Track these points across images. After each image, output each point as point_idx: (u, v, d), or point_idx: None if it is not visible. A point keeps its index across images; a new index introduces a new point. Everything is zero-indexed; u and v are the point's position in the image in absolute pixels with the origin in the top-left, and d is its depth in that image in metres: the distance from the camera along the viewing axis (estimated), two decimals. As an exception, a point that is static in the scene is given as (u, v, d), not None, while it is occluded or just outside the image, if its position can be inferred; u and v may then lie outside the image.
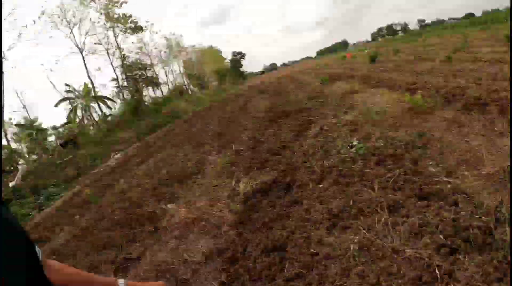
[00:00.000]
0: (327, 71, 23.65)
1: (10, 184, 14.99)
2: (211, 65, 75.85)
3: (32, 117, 32.70)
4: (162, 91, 47.95)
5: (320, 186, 3.71)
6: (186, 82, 63.52)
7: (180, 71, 60.67)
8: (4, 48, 24.94)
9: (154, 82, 36.71)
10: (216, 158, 6.68)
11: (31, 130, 26.50)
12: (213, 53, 79.09)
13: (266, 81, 34.81)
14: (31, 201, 12.00)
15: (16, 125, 28.51)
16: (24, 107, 30.16)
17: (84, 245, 5.13)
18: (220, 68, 79.84)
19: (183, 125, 19.10)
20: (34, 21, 30.42)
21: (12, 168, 22.05)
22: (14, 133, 28.25)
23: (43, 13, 31.17)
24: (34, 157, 25.24)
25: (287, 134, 6.58)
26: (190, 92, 60.48)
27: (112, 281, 1.19)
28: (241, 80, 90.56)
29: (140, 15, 53.12)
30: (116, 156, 17.31)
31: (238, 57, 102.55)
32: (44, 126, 33.77)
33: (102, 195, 8.57)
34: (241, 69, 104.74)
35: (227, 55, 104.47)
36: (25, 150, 27.83)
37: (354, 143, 4.61)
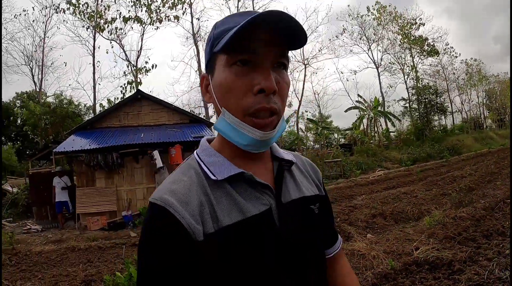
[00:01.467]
0: None
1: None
2: (516, 101, 65.41)
3: (325, 115, 37.81)
4: (453, 119, 45.68)
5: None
6: (484, 115, 57.50)
7: (478, 101, 55.24)
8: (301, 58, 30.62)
9: (443, 110, 35.45)
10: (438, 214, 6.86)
11: (318, 126, 30.71)
12: None
13: None
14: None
15: (307, 118, 33.80)
16: (318, 106, 35.14)
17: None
18: None
19: (453, 164, 18.39)
20: (337, 36, 34.98)
21: (296, 149, 26.67)
22: (307, 126, 33.71)
23: (344, 31, 35.54)
24: (317, 146, 29.54)
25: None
26: (485, 126, 54.78)
27: None
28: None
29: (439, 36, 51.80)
30: (378, 173, 18.50)
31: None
32: (333, 125, 38.46)
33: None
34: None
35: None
36: (311, 138, 32.79)
37: None
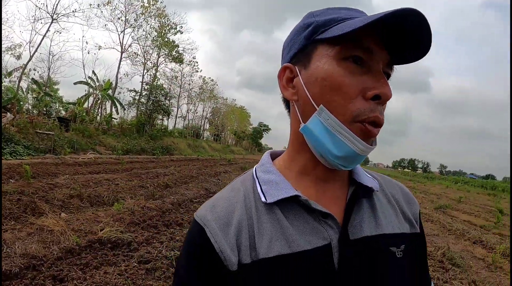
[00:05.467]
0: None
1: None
2: (234, 124, 78.32)
3: (53, 80, 34.12)
4: (175, 123, 49.78)
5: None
6: (204, 127, 65.15)
7: (203, 114, 62.59)
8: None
9: (168, 112, 38.11)
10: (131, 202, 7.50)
11: (41, 90, 27.47)
12: (241, 114, 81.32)
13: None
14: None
15: (32, 78, 28.78)
16: (49, 69, 30.49)
17: None
18: (240, 130, 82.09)
19: (161, 162, 19.84)
20: (98, 5, 31.69)
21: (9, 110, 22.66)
22: (30, 86, 28.98)
23: (109, 3, 32.60)
24: (35, 112, 26.17)
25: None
26: (203, 137, 62.15)
27: None
28: (254, 152, 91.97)
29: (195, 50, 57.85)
30: (89, 155, 18.23)
31: (262, 128, 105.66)
32: (59, 94, 34.98)
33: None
34: (260, 140, 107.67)
35: (255, 122, 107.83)
36: (31, 102, 28.70)
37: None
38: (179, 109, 49.15)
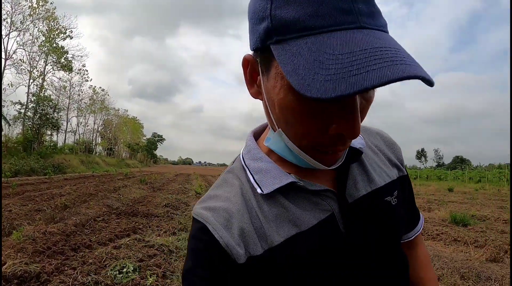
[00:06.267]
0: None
1: None
2: (127, 136, 75.27)
3: None
4: (65, 138, 46.36)
5: None
6: (96, 141, 61.67)
7: (94, 127, 59.05)
8: None
9: (56, 126, 35.39)
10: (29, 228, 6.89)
11: None
12: (134, 125, 78.48)
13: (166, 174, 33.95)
14: None
15: None
16: None
17: None
18: (134, 142, 79.14)
19: (54, 182, 18.54)
20: None
21: None
22: None
23: None
24: None
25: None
26: (95, 152, 58.67)
27: None
28: (150, 164, 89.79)
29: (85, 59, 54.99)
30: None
31: (156, 139, 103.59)
32: None
33: None
34: (155, 151, 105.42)
35: (149, 133, 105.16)
36: None
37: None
38: (69, 122, 46.00)
